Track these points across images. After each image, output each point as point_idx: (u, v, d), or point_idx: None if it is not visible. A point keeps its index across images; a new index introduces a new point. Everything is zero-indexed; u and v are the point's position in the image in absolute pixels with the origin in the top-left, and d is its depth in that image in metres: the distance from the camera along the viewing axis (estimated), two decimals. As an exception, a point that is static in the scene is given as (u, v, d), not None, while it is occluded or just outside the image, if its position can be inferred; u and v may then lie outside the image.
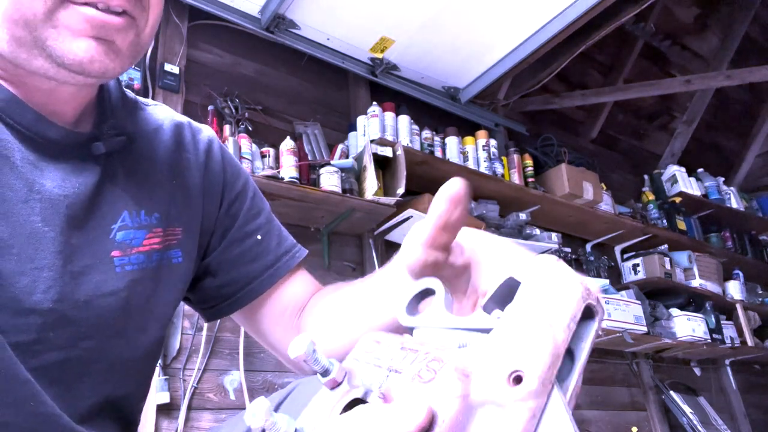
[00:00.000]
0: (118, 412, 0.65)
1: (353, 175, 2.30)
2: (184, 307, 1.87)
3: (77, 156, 0.61)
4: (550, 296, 0.31)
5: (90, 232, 0.60)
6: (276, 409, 0.66)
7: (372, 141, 2.37)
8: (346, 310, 0.71)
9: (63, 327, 0.56)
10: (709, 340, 3.14)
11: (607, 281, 2.97)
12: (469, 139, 2.77)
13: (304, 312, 0.78)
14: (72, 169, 0.60)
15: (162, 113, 0.74)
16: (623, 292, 3.02)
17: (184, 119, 0.77)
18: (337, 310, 0.73)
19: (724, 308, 3.49)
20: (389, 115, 2.52)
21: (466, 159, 2.71)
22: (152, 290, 0.65)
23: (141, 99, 0.74)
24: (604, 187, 3.19)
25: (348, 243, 2.45)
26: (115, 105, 0.67)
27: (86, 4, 0.52)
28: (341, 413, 0.32)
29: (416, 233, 0.45)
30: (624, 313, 2.81)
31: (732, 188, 4.11)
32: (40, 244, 0.55)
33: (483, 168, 2.70)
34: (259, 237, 0.77)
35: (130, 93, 0.72)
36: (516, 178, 2.84)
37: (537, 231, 2.76)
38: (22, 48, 0.53)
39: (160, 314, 0.67)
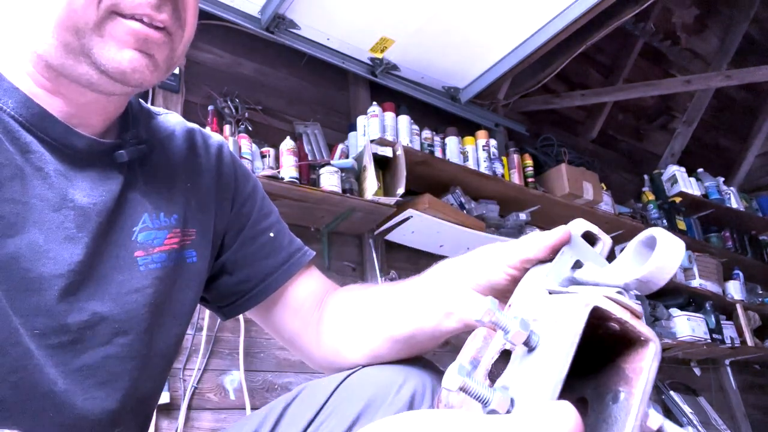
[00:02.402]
0: (142, 412, 0.68)
1: (353, 175, 2.30)
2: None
3: (102, 164, 0.64)
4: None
5: (115, 236, 0.64)
6: (283, 412, 0.67)
7: (372, 141, 2.37)
8: (378, 313, 0.72)
9: (98, 324, 0.60)
10: (709, 340, 3.14)
11: (607, 281, 2.97)
12: (469, 139, 2.77)
13: (324, 307, 0.79)
14: (98, 177, 0.63)
15: (173, 120, 0.78)
16: (623, 292, 3.02)
17: (195, 126, 0.80)
18: (368, 313, 0.74)
19: (724, 308, 3.49)
20: (389, 115, 2.52)
21: (466, 159, 2.71)
22: (171, 288, 0.68)
23: (153, 108, 0.78)
24: (604, 187, 3.19)
25: (348, 243, 2.45)
26: (135, 115, 0.71)
27: (133, 18, 0.56)
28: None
29: (501, 255, 0.55)
30: (624, 313, 2.81)
31: (732, 188, 4.10)
32: (75, 248, 0.59)
33: (483, 168, 2.70)
34: (272, 234, 0.80)
35: (143, 103, 0.76)
36: (516, 178, 2.84)
37: (537, 231, 2.76)
38: (69, 54, 0.57)
39: (178, 312, 0.70)
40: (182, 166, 0.74)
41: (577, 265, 0.43)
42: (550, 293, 0.38)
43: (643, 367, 0.29)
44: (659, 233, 0.35)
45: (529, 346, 0.30)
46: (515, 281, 0.53)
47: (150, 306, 0.64)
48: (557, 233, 0.47)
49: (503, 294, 0.58)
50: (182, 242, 0.70)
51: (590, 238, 0.45)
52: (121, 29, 0.56)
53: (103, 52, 0.56)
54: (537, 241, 0.49)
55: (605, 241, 0.45)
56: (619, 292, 0.34)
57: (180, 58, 0.64)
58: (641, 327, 0.31)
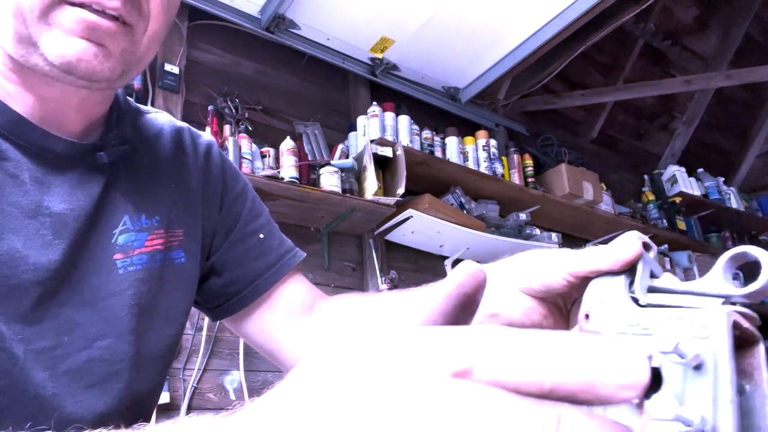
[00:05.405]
0: (138, 413, 0.67)
1: (353, 175, 2.30)
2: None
3: (83, 166, 0.63)
4: None
5: (94, 240, 0.63)
6: None
7: (372, 141, 2.37)
8: (376, 323, 0.70)
9: (74, 329, 0.59)
10: (709, 340, 3.14)
11: (607, 281, 2.97)
12: (469, 139, 2.77)
13: (316, 313, 0.78)
14: (78, 181, 0.62)
15: (162, 119, 0.76)
16: (623, 292, 3.02)
17: (184, 125, 0.78)
18: (365, 322, 0.72)
19: (724, 308, 3.49)
20: (389, 115, 2.52)
21: (466, 159, 2.71)
22: (158, 289, 0.67)
23: (142, 106, 0.76)
24: (604, 187, 3.19)
25: (348, 243, 2.45)
26: (122, 114, 0.69)
27: (81, 5, 0.53)
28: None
29: (563, 262, 0.50)
30: (624, 313, 2.81)
31: (732, 188, 4.11)
32: (53, 255, 0.58)
33: (483, 168, 2.70)
34: (261, 236, 0.78)
35: (132, 101, 0.74)
36: (516, 178, 2.84)
37: (537, 231, 2.76)
38: (21, 44, 0.54)
39: (168, 313, 0.69)
40: (168, 166, 0.72)
41: (652, 274, 0.47)
42: (641, 305, 0.42)
43: (761, 363, 0.34)
44: (759, 252, 0.38)
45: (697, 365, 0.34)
46: (571, 288, 0.53)
47: (132, 308, 0.63)
48: (634, 248, 0.46)
49: (557, 297, 0.57)
50: (168, 243, 0.69)
51: (645, 247, 0.50)
52: (68, 17, 0.53)
53: (49, 42, 0.53)
54: (612, 254, 0.48)
55: (655, 248, 0.49)
56: (725, 302, 0.38)
57: (147, 53, 0.60)
58: (753, 329, 0.36)
